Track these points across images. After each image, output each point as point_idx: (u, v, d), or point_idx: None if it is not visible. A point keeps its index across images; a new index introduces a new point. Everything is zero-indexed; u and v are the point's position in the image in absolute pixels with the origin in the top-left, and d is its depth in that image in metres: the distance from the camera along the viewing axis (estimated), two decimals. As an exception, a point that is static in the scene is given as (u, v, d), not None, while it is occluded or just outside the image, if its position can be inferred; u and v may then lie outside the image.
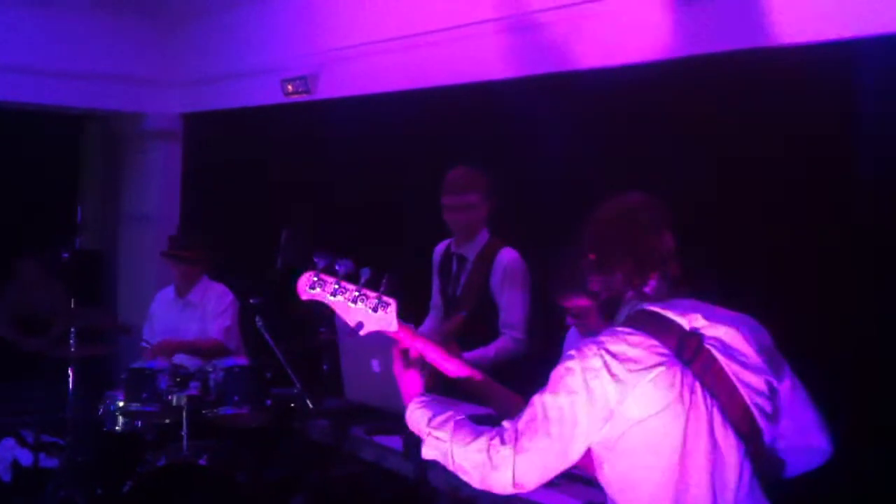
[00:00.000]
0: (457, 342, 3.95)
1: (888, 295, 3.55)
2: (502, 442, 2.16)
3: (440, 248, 4.49)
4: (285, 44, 6.83)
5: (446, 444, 2.24)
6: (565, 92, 4.83)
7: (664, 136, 4.36)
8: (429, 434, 2.30)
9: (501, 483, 2.17)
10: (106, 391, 4.92)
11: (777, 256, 3.86)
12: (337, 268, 2.48)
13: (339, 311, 2.47)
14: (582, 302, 3.32)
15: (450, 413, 2.31)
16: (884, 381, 3.52)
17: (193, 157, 8.21)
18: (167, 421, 4.62)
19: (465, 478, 2.23)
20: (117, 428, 4.77)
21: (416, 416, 2.36)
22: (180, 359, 5.12)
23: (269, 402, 4.64)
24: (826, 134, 3.75)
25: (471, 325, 4.05)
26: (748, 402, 2.18)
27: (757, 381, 2.20)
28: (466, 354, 3.92)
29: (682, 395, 2.13)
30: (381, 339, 3.29)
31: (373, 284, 2.44)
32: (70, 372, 5.17)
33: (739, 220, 3.99)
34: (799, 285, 3.74)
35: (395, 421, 3.28)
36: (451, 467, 2.25)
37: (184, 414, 4.45)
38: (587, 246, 2.33)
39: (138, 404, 4.60)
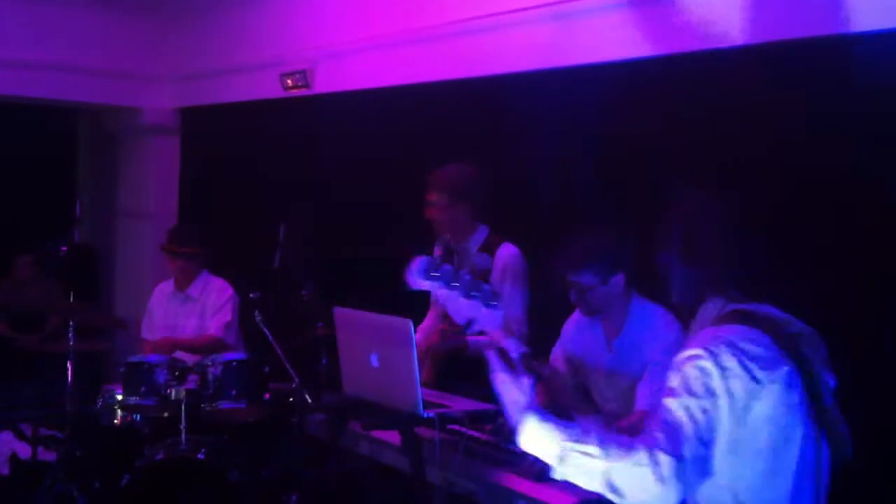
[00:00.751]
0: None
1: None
2: (664, 452, 1.97)
3: (441, 244, 4.50)
4: (284, 38, 6.83)
5: (597, 461, 2.02)
6: (564, 87, 4.85)
7: (664, 132, 4.37)
8: (570, 450, 2.06)
9: (667, 497, 1.97)
10: (104, 385, 4.93)
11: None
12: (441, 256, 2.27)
13: (449, 304, 2.22)
14: (588, 279, 3.33)
15: (583, 426, 2.11)
16: (885, 383, 3.53)
17: (192, 152, 8.21)
18: (165, 415, 4.62)
19: (614, 496, 2.02)
20: (115, 421, 4.77)
21: (543, 432, 2.11)
22: (178, 353, 5.13)
23: (267, 396, 4.65)
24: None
25: (469, 320, 4.06)
26: (827, 405, 2.15)
27: (833, 384, 2.19)
28: (470, 339, 3.97)
29: (801, 400, 2.09)
30: (379, 333, 3.31)
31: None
32: (69, 366, 5.18)
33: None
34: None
35: (392, 416, 3.28)
36: (595, 486, 2.04)
37: (182, 408, 4.45)
38: (673, 239, 2.24)
39: (136, 398, 4.60)
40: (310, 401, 4.39)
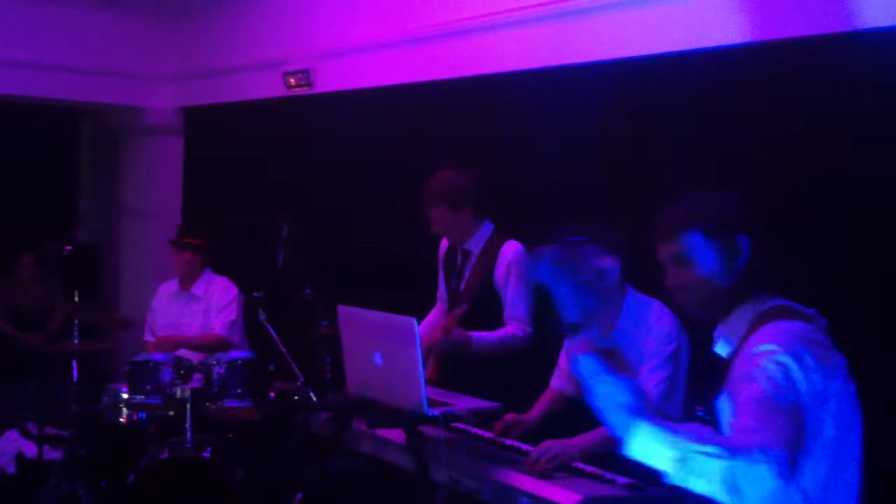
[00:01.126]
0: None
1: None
2: (775, 448, 1.93)
3: (446, 241, 4.51)
4: (287, 37, 6.84)
5: (719, 462, 1.92)
6: (565, 86, 4.85)
7: (665, 131, 4.38)
8: (692, 452, 1.95)
9: (787, 492, 1.97)
10: (109, 384, 4.94)
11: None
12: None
13: (567, 299, 2.15)
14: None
15: (693, 425, 2.05)
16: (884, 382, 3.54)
17: (194, 151, 8.22)
18: (170, 413, 4.64)
19: (732, 497, 1.93)
20: (120, 420, 4.79)
21: (659, 436, 1.99)
22: (183, 351, 5.15)
23: (271, 395, 4.66)
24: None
25: (473, 318, 4.07)
26: None
27: None
28: (472, 333, 3.98)
29: (855, 392, 2.14)
30: (383, 332, 3.32)
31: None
32: (74, 365, 5.19)
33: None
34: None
35: (396, 414, 3.29)
36: (714, 487, 1.94)
37: (187, 406, 4.46)
38: (729, 228, 2.24)
39: (142, 397, 4.60)
40: (314, 399, 4.40)
